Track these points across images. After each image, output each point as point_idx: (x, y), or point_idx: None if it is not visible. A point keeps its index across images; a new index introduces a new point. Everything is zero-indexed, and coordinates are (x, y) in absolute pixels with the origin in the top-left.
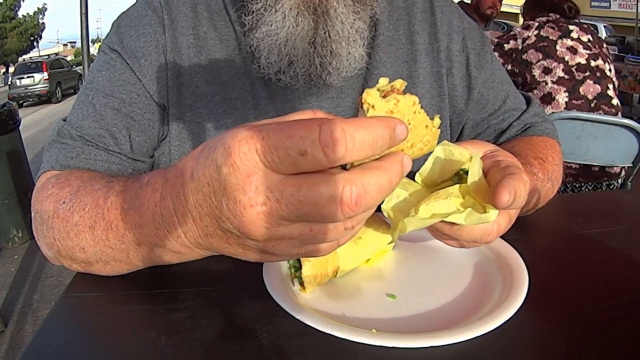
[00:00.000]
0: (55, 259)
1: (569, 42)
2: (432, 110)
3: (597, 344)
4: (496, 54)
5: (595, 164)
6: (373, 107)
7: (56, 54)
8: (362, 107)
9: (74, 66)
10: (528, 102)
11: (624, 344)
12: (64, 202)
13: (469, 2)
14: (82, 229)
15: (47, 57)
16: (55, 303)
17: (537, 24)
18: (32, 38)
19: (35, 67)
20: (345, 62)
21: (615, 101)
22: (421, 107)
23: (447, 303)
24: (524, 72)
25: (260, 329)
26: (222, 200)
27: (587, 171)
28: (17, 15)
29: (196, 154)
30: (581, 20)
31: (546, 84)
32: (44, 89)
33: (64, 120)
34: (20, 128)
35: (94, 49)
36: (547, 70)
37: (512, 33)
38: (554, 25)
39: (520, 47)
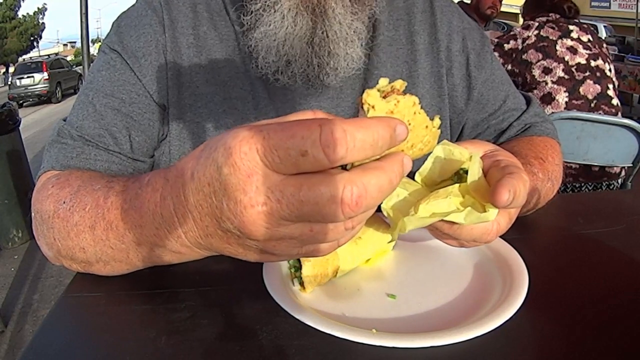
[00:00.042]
0: (55, 259)
1: (569, 42)
2: (432, 111)
3: (597, 344)
4: (496, 54)
5: (595, 164)
6: (373, 107)
7: (56, 54)
8: (362, 107)
9: (74, 66)
10: (528, 102)
11: (624, 344)
12: (64, 202)
13: (469, 2)
14: (82, 229)
15: (47, 57)
16: (55, 303)
17: (537, 24)
18: (32, 38)
19: (35, 67)
20: (343, 62)
21: (615, 101)
22: (421, 108)
23: (447, 303)
24: (524, 72)
25: (260, 329)
26: (222, 200)
27: (587, 171)
28: (17, 15)
29: (197, 154)
30: (581, 20)
31: (546, 84)
32: (44, 89)
33: (64, 120)
34: (20, 128)
35: (94, 49)
36: (547, 70)
37: (512, 33)
38: (554, 25)
39: (520, 47)
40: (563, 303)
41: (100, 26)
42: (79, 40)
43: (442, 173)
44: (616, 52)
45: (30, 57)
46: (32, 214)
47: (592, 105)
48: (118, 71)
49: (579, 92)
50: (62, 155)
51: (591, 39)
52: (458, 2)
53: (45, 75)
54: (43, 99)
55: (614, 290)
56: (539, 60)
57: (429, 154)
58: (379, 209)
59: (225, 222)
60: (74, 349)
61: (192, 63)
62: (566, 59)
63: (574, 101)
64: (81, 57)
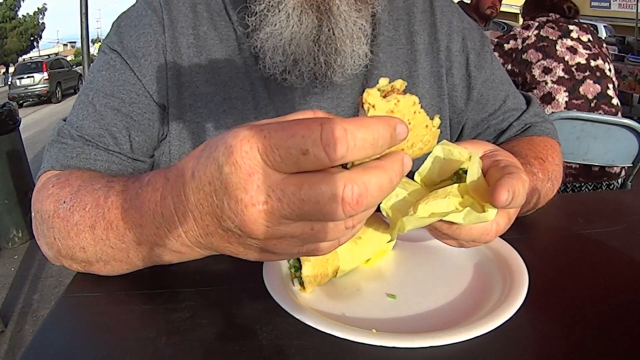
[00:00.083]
0: (56, 259)
1: (569, 42)
2: (432, 110)
3: (597, 344)
4: (496, 54)
5: (595, 164)
6: (373, 106)
7: (56, 54)
8: (362, 106)
9: (74, 66)
10: (528, 102)
11: (624, 344)
12: (64, 202)
13: (469, 2)
14: (83, 229)
15: (47, 57)
16: (55, 303)
17: (537, 23)
18: (32, 38)
19: (35, 67)
20: (349, 59)
21: (615, 101)
22: (421, 107)
23: (447, 303)
24: (524, 72)
25: (260, 329)
26: (223, 199)
27: (587, 171)
28: (17, 15)
29: (197, 153)
30: (581, 20)
31: (546, 83)
32: (44, 89)
33: (64, 120)
34: (20, 128)
35: (94, 49)
36: (547, 70)
37: (512, 33)
38: (553, 25)
39: (520, 47)
40: (563, 303)
41: (100, 26)
42: (79, 40)
43: (442, 173)
44: (616, 52)
45: (30, 57)
46: (32, 214)
47: (592, 105)
48: (118, 71)
49: (579, 92)
50: (62, 155)
51: (591, 38)
52: (458, 2)
53: (45, 75)
54: (43, 99)
55: (614, 290)
56: (539, 60)
57: (429, 153)
58: (378, 209)
59: (226, 221)
60: (74, 349)
61: (192, 63)
62: (566, 58)
63: (574, 101)
64: (81, 57)
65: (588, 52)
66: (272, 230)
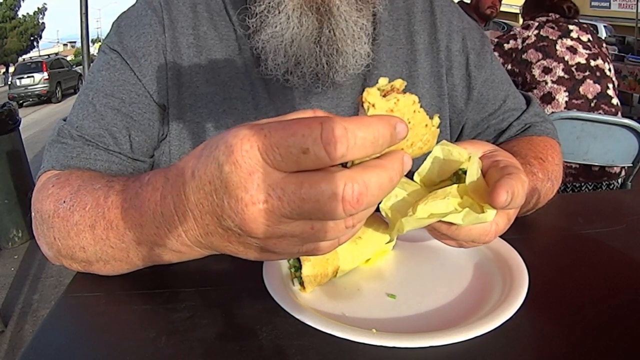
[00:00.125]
0: (56, 259)
1: (569, 42)
2: (432, 110)
3: (597, 344)
4: (496, 53)
5: (595, 164)
6: (373, 105)
7: (56, 54)
8: (362, 105)
9: (74, 66)
10: (528, 102)
11: (624, 344)
12: (64, 202)
13: (469, 2)
14: (83, 228)
15: (47, 57)
16: (55, 303)
17: (537, 23)
18: (32, 38)
19: (35, 67)
20: (351, 59)
21: (615, 101)
22: (420, 107)
23: (447, 303)
24: (524, 71)
25: (260, 329)
26: (223, 198)
27: (587, 171)
28: (17, 15)
29: (197, 152)
30: (581, 20)
31: (546, 83)
32: (44, 89)
33: (64, 120)
34: (20, 128)
35: (94, 49)
36: (547, 70)
37: (512, 33)
38: (553, 25)
39: (520, 46)
40: (563, 303)
41: (100, 26)
42: (79, 40)
43: (441, 173)
44: (616, 52)
45: (30, 57)
46: (32, 214)
47: (592, 104)
48: (118, 71)
49: (579, 92)
50: (62, 155)
51: (591, 38)
52: (458, 2)
53: (45, 75)
54: (43, 99)
55: (614, 290)
56: (538, 60)
57: (429, 153)
58: (377, 210)
59: (226, 220)
60: (74, 349)
61: (192, 63)
62: (566, 58)
63: (574, 101)
64: (81, 57)
65: (588, 52)
66: (272, 229)
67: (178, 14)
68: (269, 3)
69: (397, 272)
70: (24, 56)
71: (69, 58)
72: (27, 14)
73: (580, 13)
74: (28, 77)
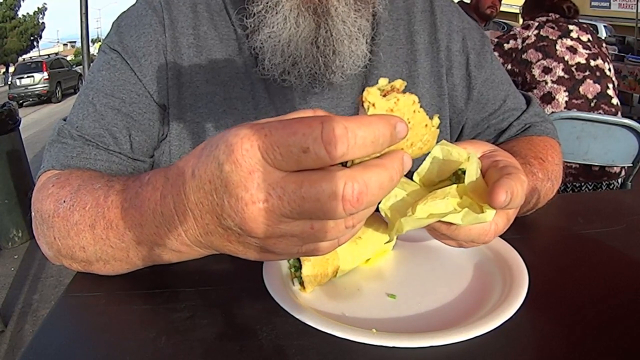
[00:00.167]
0: (56, 258)
1: (569, 42)
2: (432, 110)
3: (597, 344)
4: (496, 53)
5: (595, 163)
6: (373, 105)
7: (56, 53)
8: (362, 105)
9: (74, 66)
10: (528, 101)
11: (624, 344)
12: (64, 201)
13: (469, 1)
14: (83, 228)
15: (47, 57)
16: (55, 303)
17: (536, 23)
18: (32, 38)
19: (35, 67)
20: (349, 60)
21: (615, 100)
22: (420, 107)
23: (447, 303)
24: (524, 71)
25: (260, 329)
26: (223, 197)
27: (587, 171)
28: (17, 15)
29: (197, 152)
30: (581, 20)
31: (546, 83)
32: (44, 88)
33: (64, 120)
34: (20, 128)
35: (94, 49)
36: (547, 70)
37: (512, 33)
38: (553, 25)
39: (520, 46)
40: (563, 303)
41: (100, 26)
42: (79, 40)
43: (441, 173)
44: (616, 52)
45: (30, 57)
46: (32, 214)
47: (592, 104)
48: (118, 71)
49: (579, 92)
50: (62, 155)
51: (591, 38)
52: (458, 2)
53: (45, 75)
54: (43, 99)
55: (614, 290)
56: (538, 60)
57: (428, 153)
58: (377, 210)
59: (226, 220)
60: (74, 349)
61: (192, 63)
62: (566, 58)
63: (574, 100)
64: (81, 57)
65: (588, 52)
66: (272, 229)
67: (178, 14)
68: (267, 3)
69: (397, 272)
70: (24, 56)
71: (69, 58)
72: (27, 13)
73: (580, 13)
74: (28, 77)
